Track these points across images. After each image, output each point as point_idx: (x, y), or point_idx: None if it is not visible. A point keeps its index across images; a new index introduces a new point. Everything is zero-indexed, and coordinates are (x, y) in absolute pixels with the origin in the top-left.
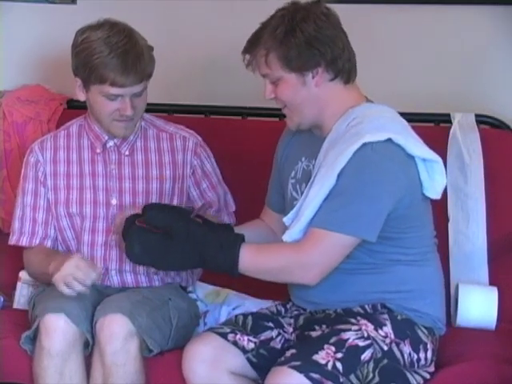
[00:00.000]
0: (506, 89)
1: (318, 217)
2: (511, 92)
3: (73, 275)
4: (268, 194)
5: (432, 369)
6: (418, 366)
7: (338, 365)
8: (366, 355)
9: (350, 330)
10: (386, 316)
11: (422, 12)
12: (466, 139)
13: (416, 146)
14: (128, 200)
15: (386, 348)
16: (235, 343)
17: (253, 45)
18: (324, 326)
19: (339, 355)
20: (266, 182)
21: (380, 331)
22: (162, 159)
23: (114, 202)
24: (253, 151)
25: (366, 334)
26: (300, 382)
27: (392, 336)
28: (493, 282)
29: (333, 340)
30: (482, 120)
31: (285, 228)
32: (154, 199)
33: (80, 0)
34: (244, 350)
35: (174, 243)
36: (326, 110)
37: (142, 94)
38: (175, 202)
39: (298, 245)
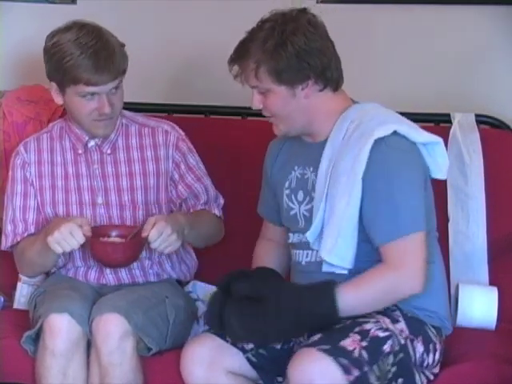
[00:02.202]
0: (506, 89)
1: (384, 232)
2: (511, 92)
3: (65, 240)
4: (267, 210)
5: (437, 370)
6: (425, 367)
7: (364, 353)
8: (386, 346)
9: (369, 322)
10: (398, 313)
11: (422, 12)
12: (465, 139)
13: (417, 133)
14: (114, 198)
15: (403, 342)
16: (234, 343)
17: (241, 57)
18: (343, 320)
19: (364, 343)
20: None
21: (396, 325)
22: (145, 155)
23: (99, 200)
24: (253, 151)
25: (384, 326)
26: (329, 367)
27: (407, 332)
28: (493, 281)
29: (356, 329)
30: (482, 120)
31: (301, 243)
32: (139, 195)
33: (80, 0)
34: (243, 350)
35: (267, 308)
36: (316, 118)
37: (117, 91)
38: (162, 197)
39: (388, 264)
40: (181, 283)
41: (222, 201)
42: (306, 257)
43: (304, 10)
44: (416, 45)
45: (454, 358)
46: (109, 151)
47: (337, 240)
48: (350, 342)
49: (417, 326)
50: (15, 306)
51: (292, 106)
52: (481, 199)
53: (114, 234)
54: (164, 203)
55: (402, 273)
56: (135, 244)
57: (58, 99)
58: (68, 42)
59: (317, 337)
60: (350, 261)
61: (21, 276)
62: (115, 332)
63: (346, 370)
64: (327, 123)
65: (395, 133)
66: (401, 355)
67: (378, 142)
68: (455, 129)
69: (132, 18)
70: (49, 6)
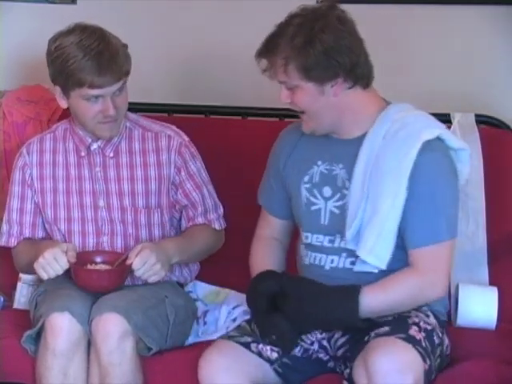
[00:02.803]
0: (506, 89)
1: (420, 236)
2: (511, 92)
3: (49, 265)
4: (272, 202)
5: (448, 351)
6: (447, 355)
7: (427, 343)
8: (435, 338)
9: (411, 315)
10: (426, 307)
11: (422, 12)
12: (465, 139)
13: (454, 139)
14: (115, 202)
15: (440, 334)
16: (259, 354)
17: (269, 52)
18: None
19: (423, 334)
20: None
21: (430, 319)
22: (147, 159)
23: (101, 203)
24: (253, 151)
25: (424, 320)
26: (412, 354)
27: (437, 325)
28: (493, 282)
29: (410, 321)
30: (481, 120)
31: (323, 247)
32: (140, 200)
33: (80, 0)
34: (270, 361)
35: (291, 307)
36: (346, 116)
37: (121, 93)
38: (164, 202)
39: (416, 269)
40: (181, 285)
41: (221, 210)
42: (331, 262)
43: (333, 6)
44: (416, 45)
45: (454, 357)
46: (111, 154)
47: (377, 240)
48: (415, 332)
49: (439, 320)
50: (15, 305)
51: (321, 102)
52: (481, 199)
53: (98, 259)
54: (166, 207)
55: (430, 279)
56: (119, 272)
57: (63, 103)
58: (71, 44)
59: (385, 328)
60: (386, 262)
61: (21, 276)
62: (115, 332)
63: (423, 358)
64: (359, 121)
65: (437, 137)
66: (440, 348)
67: (425, 144)
68: (455, 129)
69: (132, 18)
70: (49, 6)
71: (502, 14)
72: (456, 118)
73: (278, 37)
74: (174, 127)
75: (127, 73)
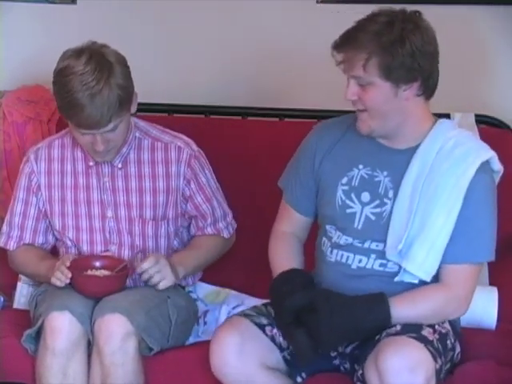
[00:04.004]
0: (506, 89)
1: (458, 252)
2: (511, 92)
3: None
4: (295, 198)
5: (458, 359)
6: (456, 364)
7: (439, 345)
8: (448, 342)
9: None
10: None
11: (422, 12)
12: None
13: (496, 162)
14: (123, 212)
15: (453, 340)
16: (272, 338)
17: (349, 45)
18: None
19: (437, 336)
20: (266, 182)
21: (445, 325)
22: (156, 171)
23: (109, 214)
24: (253, 151)
25: (439, 324)
26: (423, 352)
27: (451, 332)
28: (493, 282)
29: (424, 325)
30: (481, 120)
31: (352, 246)
32: (147, 212)
33: (80, 0)
34: (281, 348)
35: (320, 319)
36: (407, 123)
37: (115, 130)
38: (170, 214)
39: (445, 284)
40: (182, 287)
41: (230, 217)
42: (359, 262)
43: (419, 12)
44: None
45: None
46: (120, 165)
47: (428, 255)
48: (427, 333)
49: (454, 328)
50: (15, 305)
51: (391, 104)
52: None
53: (98, 265)
54: (172, 218)
55: (455, 296)
56: (118, 278)
57: None
58: (74, 74)
59: (397, 328)
60: (432, 275)
61: (21, 276)
62: (118, 332)
63: (434, 358)
64: (416, 132)
65: (486, 160)
66: (452, 353)
67: (480, 165)
68: None
69: (132, 17)
70: (49, 6)
71: (502, 13)
72: (456, 118)
73: (359, 32)
74: (184, 137)
75: (121, 114)
